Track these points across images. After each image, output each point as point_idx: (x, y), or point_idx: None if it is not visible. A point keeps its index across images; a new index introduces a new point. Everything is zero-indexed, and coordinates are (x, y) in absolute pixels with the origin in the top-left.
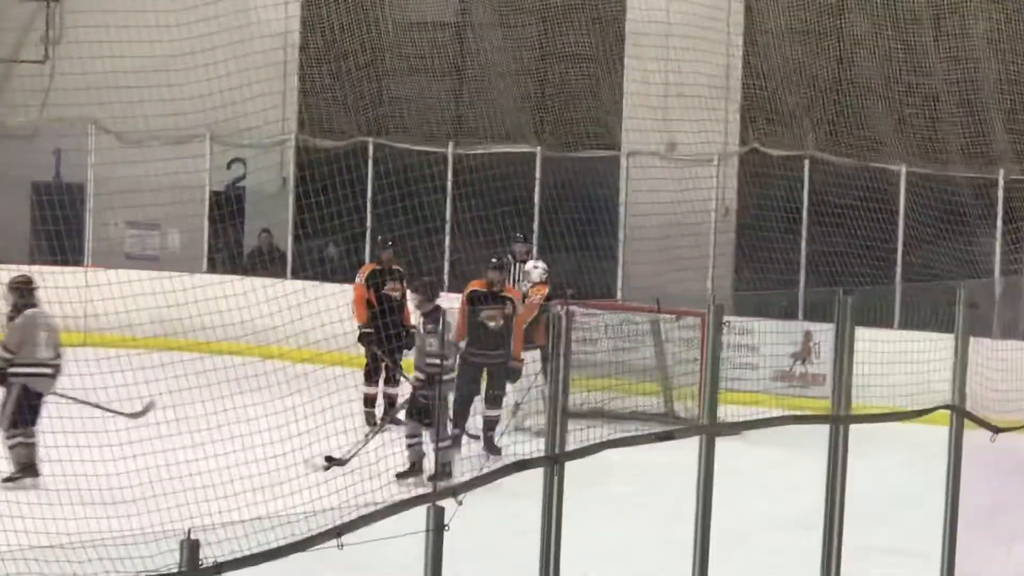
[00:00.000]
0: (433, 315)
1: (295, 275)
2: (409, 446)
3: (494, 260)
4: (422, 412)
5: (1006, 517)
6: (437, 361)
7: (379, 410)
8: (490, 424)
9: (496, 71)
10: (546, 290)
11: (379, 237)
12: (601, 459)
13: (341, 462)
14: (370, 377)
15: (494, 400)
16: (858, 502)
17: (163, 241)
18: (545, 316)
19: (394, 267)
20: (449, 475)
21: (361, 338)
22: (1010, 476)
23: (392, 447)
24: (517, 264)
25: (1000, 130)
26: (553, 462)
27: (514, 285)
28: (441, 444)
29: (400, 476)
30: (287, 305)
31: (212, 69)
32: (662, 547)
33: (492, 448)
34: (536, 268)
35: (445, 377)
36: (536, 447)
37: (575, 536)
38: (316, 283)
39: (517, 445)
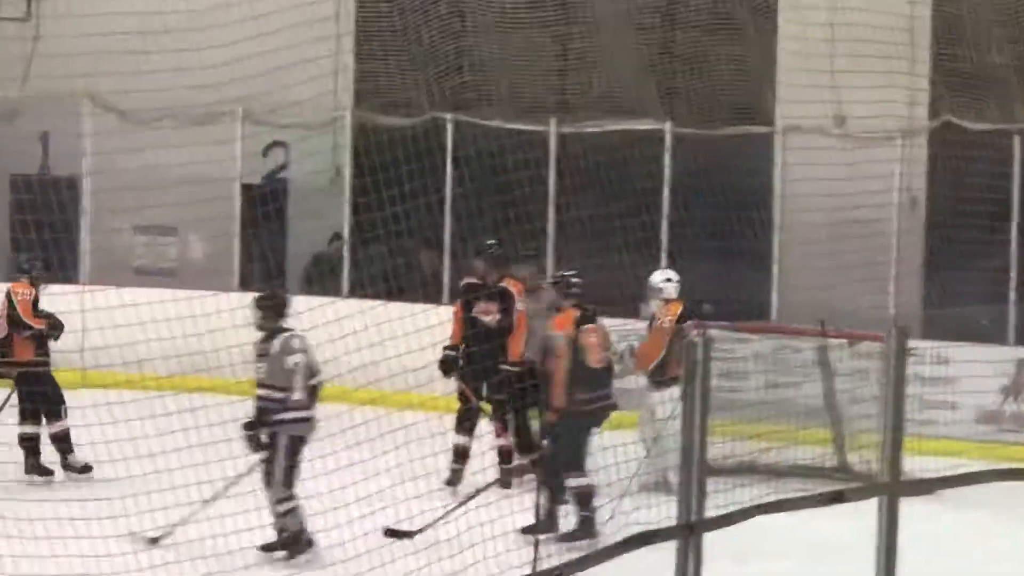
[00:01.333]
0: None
1: (353, 292)
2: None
3: (491, 243)
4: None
5: None
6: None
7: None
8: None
9: (613, 27)
10: (679, 309)
11: (477, 243)
12: (752, 528)
13: (408, 534)
14: (460, 423)
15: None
16: None
17: (182, 251)
18: (679, 342)
19: (495, 281)
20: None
21: (442, 365)
22: None
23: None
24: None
25: None
26: (689, 532)
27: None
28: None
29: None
30: (345, 331)
31: (243, 28)
32: None
33: (588, 530)
34: (670, 282)
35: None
36: (667, 513)
37: None
38: (391, 303)
39: (642, 510)
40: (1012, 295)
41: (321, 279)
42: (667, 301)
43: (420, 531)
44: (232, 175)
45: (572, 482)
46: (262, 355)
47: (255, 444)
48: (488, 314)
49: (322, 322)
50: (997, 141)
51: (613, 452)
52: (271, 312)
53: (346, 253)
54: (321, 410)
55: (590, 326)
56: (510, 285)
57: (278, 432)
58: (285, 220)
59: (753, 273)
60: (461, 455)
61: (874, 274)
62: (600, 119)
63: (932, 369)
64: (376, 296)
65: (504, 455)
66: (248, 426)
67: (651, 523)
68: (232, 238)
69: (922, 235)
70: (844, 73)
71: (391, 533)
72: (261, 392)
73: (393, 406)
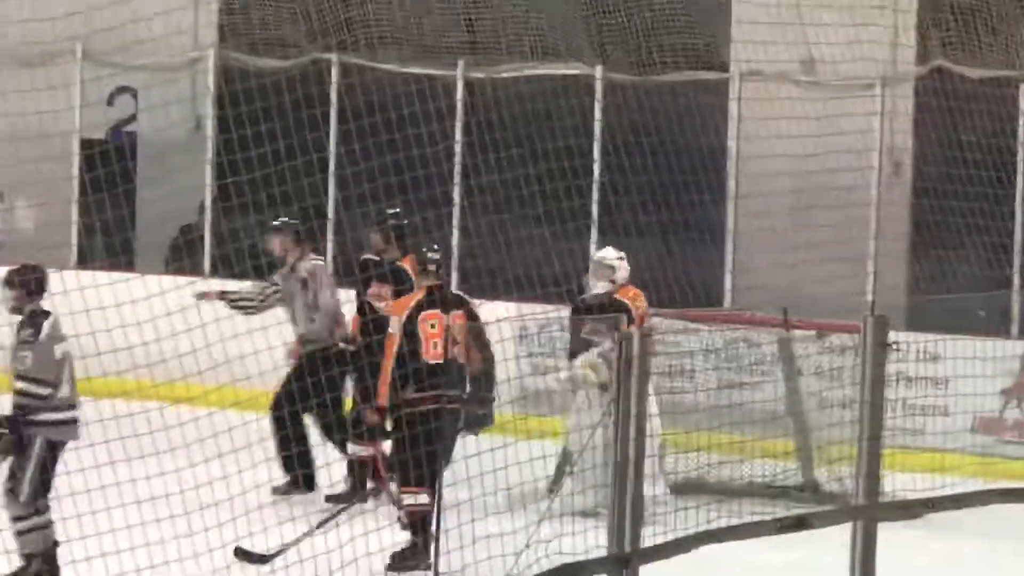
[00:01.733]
0: None
1: (215, 271)
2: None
3: (392, 211)
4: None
5: None
6: None
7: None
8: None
9: None
10: (638, 294)
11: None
12: (699, 559)
13: (263, 559)
14: (356, 428)
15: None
16: None
17: (8, 220)
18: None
19: (392, 258)
20: None
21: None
22: None
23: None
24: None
25: None
26: (622, 564)
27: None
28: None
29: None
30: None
31: None
32: None
33: (414, 559)
34: (622, 259)
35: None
36: (595, 541)
37: None
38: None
39: (566, 539)
40: (1016, 279)
41: (192, 255)
42: (621, 284)
43: (277, 554)
44: (69, 129)
45: (406, 499)
46: (25, 342)
47: (8, 448)
48: (381, 299)
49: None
50: (998, 91)
51: (530, 467)
52: (29, 290)
53: (208, 223)
54: (124, 407)
55: (431, 312)
56: (407, 264)
57: (33, 435)
58: (134, 183)
59: (703, 251)
60: (359, 466)
61: (849, 252)
62: (518, 62)
63: (918, 367)
64: (243, 276)
65: (363, 466)
66: (8, 425)
67: (577, 554)
68: (69, 205)
69: (907, 205)
70: (814, 7)
71: (242, 554)
72: (20, 385)
73: (216, 406)
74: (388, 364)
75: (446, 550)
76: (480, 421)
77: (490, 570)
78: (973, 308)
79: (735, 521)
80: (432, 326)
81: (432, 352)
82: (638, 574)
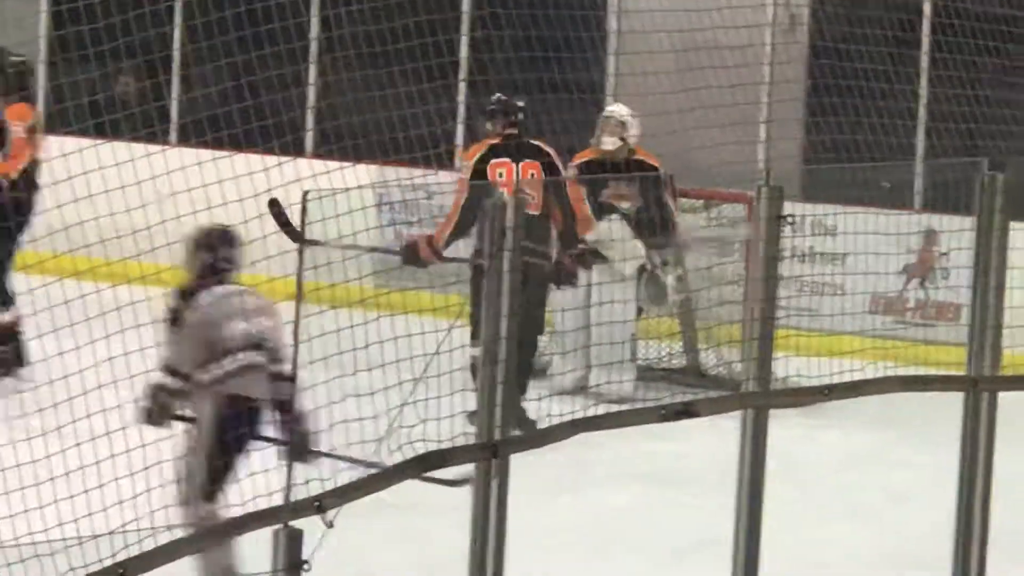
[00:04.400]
0: None
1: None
2: None
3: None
4: None
5: None
6: None
7: None
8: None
9: None
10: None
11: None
12: (574, 449)
13: None
14: None
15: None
16: (1006, 522)
17: None
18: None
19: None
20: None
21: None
22: None
23: None
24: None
25: None
26: (491, 454)
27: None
28: None
29: None
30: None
31: None
32: None
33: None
34: (635, 117)
35: None
36: (462, 428)
37: None
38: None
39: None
40: (920, 146)
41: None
42: (629, 144)
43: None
44: None
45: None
46: None
47: None
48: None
49: None
50: None
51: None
52: None
53: (43, 79)
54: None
55: (501, 160)
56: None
57: None
58: None
59: (582, 112)
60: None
61: (739, 116)
62: None
63: (814, 242)
64: (84, 134)
65: None
66: None
67: (443, 441)
68: None
69: (803, 64)
70: None
71: None
72: None
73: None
74: (456, 208)
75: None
76: (568, 279)
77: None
78: (875, 179)
79: (612, 408)
80: (500, 175)
81: None
82: (508, 464)
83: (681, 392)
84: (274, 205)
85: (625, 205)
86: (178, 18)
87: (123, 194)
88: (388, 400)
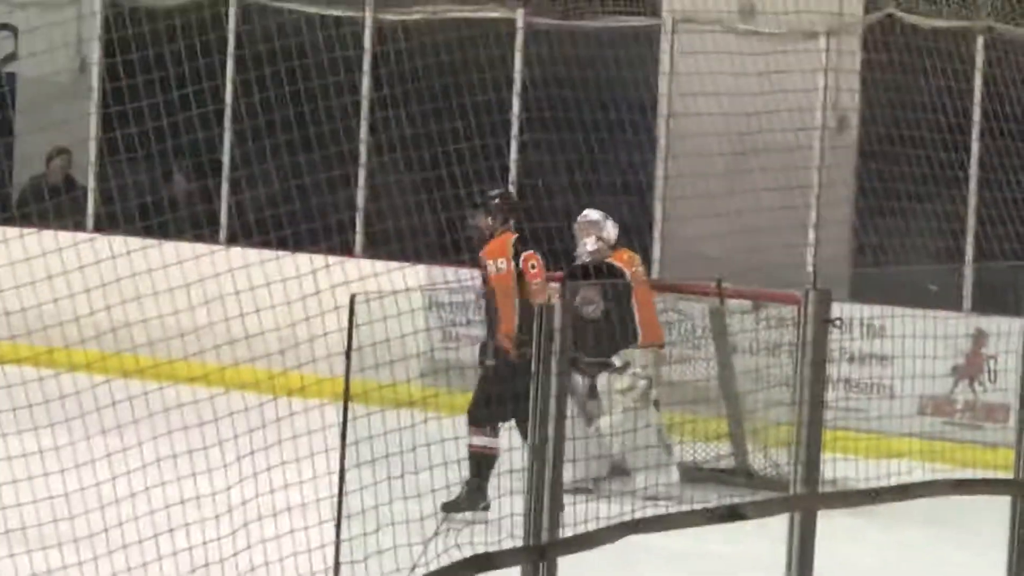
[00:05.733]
0: None
1: (99, 226)
2: None
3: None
4: None
5: None
6: None
7: None
8: None
9: None
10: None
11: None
12: (621, 551)
13: None
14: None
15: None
16: None
17: None
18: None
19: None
20: None
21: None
22: None
23: None
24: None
25: None
26: (538, 556)
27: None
28: None
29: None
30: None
31: None
32: None
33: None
34: (607, 218)
35: None
36: (510, 530)
37: None
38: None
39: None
40: (969, 249)
41: (42, 213)
42: (614, 246)
43: None
44: None
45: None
46: None
47: None
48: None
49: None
50: (954, 44)
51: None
52: None
53: (93, 178)
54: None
55: (530, 252)
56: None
57: None
58: (12, 132)
59: (630, 215)
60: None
61: (788, 218)
62: (430, 4)
63: (863, 344)
64: (133, 235)
65: None
66: None
67: (490, 544)
68: None
69: (852, 167)
70: None
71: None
72: None
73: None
74: (510, 297)
75: (348, 535)
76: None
77: (395, 559)
78: (922, 281)
79: (660, 511)
80: (532, 266)
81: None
82: (556, 566)
83: (729, 494)
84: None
85: (590, 308)
86: (228, 121)
87: (171, 295)
88: (436, 502)
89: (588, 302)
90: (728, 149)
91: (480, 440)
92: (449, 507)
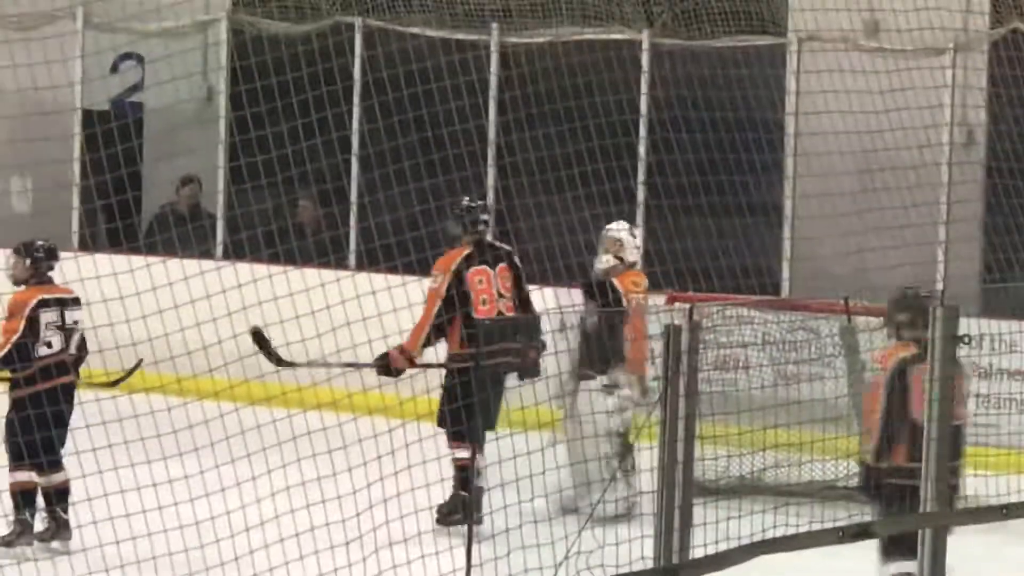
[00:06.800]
0: None
1: (227, 254)
2: None
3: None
4: None
5: None
6: None
7: None
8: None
9: None
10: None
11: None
12: (754, 570)
13: None
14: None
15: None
16: None
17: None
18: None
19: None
20: None
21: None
22: None
23: None
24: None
25: None
26: None
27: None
28: None
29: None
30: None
31: None
32: None
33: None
34: (633, 236)
35: None
36: (640, 552)
37: None
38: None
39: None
40: None
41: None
42: (630, 264)
43: None
44: (69, 100)
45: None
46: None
47: None
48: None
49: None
50: None
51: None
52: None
53: (222, 206)
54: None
55: (479, 268)
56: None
57: None
58: (140, 157)
59: (758, 235)
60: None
61: (916, 235)
62: (556, 27)
63: (993, 359)
64: (259, 262)
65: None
66: None
67: (621, 566)
68: (70, 187)
69: (981, 183)
70: None
71: None
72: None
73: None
74: (428, 316)
75: (478, 561)
76: (532, 371)
77: None
78: None
79: (793, 529)
80: (480, 282)
81: (482, 309)
82: None
83: (859, 512)
84: (256, 334)
85: (591, 322)
86: (354, 147)
87: (298, 323)
88: (566, 526)
89: (591, 315)
90: (855, 168)
91: (464, 453)
92: (443, 520)
